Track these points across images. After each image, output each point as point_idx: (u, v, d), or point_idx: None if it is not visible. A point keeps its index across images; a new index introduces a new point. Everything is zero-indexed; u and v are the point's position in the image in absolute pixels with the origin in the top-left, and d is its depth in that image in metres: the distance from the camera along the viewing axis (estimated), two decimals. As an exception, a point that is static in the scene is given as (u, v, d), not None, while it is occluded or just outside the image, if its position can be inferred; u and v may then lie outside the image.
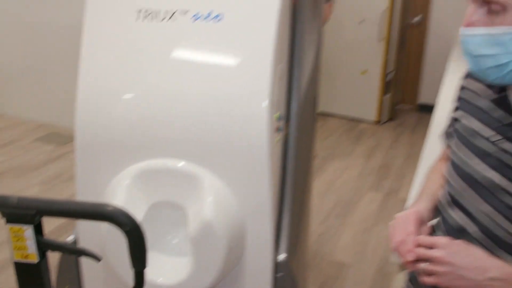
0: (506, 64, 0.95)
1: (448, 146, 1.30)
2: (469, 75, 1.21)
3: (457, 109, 1.22)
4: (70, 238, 1.91)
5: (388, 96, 5.71)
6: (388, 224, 1.23)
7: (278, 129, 1.76)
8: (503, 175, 1.03)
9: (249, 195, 1.72)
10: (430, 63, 5.99)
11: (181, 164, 1.70)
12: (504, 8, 0.93)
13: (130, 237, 0.91)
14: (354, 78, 5.69)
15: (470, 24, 0.97)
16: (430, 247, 1.03)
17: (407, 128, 5.62)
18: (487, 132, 1.08)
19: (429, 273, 1.02)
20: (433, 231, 1.23)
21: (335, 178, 4.34)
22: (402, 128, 5.63)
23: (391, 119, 5.80)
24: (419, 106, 6.16)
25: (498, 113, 1.07)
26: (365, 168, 4.56)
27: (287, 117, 2.02)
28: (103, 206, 0.93)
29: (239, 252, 1.75)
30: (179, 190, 1.70)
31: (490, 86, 1.11)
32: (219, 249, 1.65)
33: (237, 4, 1.72)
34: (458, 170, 1.14)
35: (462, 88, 1.22)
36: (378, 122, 5.66)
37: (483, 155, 1.08)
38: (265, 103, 1.65)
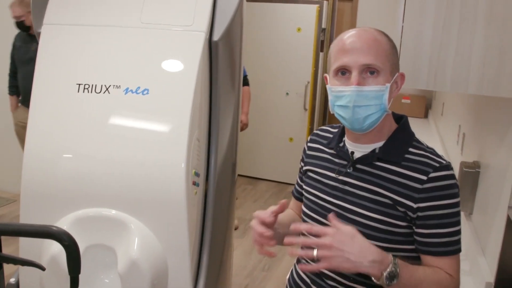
0: (377, 112, 1.33)
1: (297, 198, 1.70)
2: (311, 140, 1.62)
3: (305, 164, 1.61)
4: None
5: (314, 161, 6.17)
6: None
7: (195, 183, 2.11)
8: (346, 200, 1.41)
9: (170, 238, 2.05)
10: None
11: (112, 212, 2.02)
12: (379, 74, 1.32)
13: (68, 250, 1.22)
14: (282, 145, 6.15)
15: (360, 83, 1.32)
16: (319, 235, 1.24)
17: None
18: (332, 173, 1.47)
19: (320, 258, 1.23)
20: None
21: (262, 237, 4.66)
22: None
23: (316, 183, 6.22)
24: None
25: (337, 159, 1.47)
26: (290, 227, 4.90)
27: (206, 177, 2.37)
28: (49, 227, 1.24)
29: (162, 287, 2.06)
30: (110, 235, 2.01)
31: (327, 145, 1.53)
32: (144, 284, 1.94)
33: (161, 81, 2.10)
34: (314, 207, 1.51)
35: (309, 148, 1.62)
36: (305, 185, 6.07)
37: (332, 189, 1.46)
38: (183, 164, 2.00)
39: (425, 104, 5.42)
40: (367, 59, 1.31)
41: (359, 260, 1.22)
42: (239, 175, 6.20)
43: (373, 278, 1.25)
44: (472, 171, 2.21)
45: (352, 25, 6.28)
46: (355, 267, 1.23)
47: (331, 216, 1.29)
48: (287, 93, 6.01)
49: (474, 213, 2.25)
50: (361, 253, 1.22)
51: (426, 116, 5.43)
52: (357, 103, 1.33)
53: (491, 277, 1.76)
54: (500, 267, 1.62)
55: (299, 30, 5.81)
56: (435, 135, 4.26)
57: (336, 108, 1.37)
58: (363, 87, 1.32)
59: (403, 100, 5.33)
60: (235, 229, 4.62)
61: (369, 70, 1.33)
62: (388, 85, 1.34)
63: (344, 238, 1.23)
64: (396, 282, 1.22)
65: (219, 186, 2.43)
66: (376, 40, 1.34)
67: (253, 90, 5.16)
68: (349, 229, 1.25)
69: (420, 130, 4.62)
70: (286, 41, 5.87)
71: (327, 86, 1.40)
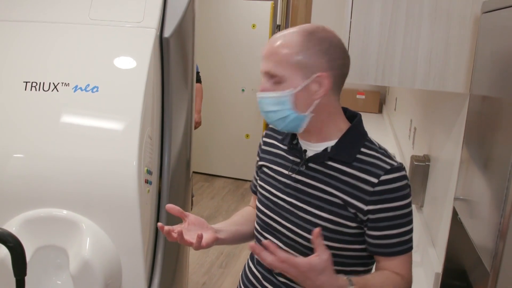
0: (287, 116, 1.35)
1: (255, 192, 1.67)
2: (267, 135, 1.62)
3: (261, 159, 1.61)
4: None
5: (270, 157, 6.21)
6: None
7: (147, 181, 2.09)
8: (298, 198, 1.42)
9: (123, 237, 2.02)
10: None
11: (63, 212, 1.98)
12: (282, 80, 1.32)
13: (13, 252, 1.19)
14: (239, 141, 6.16)
15: (263, 90, 1.35)
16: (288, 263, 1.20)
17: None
18: (285, 170, 1.47)
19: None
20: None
21: (220, 234, 4.66)
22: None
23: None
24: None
25: (291, 157, 1.47)
26: (247, 224, 4.92)
27: (160, 174, 2.35)
28: (-8, 228, 1.21)
29: (116, 287, 2.03)
30: (62, 235, 1.97)
31: (282, 141, 1.53)
32: (97, 284, 1.91)
33: (111, 78, 2.07)
34: (267, 202, 1.51)
35: (264, 143, 1.61)
36: (262, 182, 6.10)
37: (285, 187, 1.46)
38: (135, 162, 1.98)
39: (379, 100, 5.51)
40: (266, 66, 1.34)
41: None
42: (195, 172, 6.18)
43: None
44: (422, 165, 2.26)
45: (307, 21, 6.33)
46: None
47: (316, 232, 1.22)
48: (242, 90, 6.01)
49: (425, 205, 2.30)
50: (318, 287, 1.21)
51: (380, 111, 5.52)
52: (264, 108, 1.38)
53: (440, 268, 1.81)
54: (447, 257, 1.65)
55: (253, 26, 5.82)
56: (389, 130, 4.33)
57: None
58: (263, 94, 1.36)
59: (358, 96, 5.39)
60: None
61: (272, 77, 1.34)
62: (292, 90, 1.32)
63: (311, 275, 1.20)
64: None
65: (173, 183, 2.41)
66: (280, 46, 1.33)
67: (208, 87, 5.14)
68: (321, 265, 1.20)
69: (375, 125, 4.70)
70: (241, 37, 5.87)
71: None
